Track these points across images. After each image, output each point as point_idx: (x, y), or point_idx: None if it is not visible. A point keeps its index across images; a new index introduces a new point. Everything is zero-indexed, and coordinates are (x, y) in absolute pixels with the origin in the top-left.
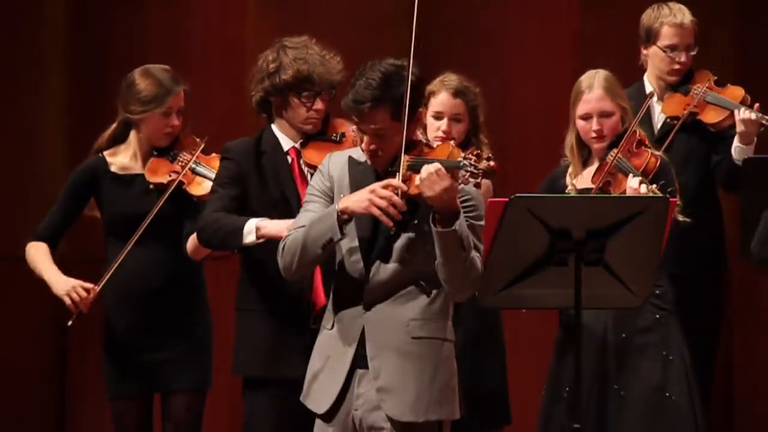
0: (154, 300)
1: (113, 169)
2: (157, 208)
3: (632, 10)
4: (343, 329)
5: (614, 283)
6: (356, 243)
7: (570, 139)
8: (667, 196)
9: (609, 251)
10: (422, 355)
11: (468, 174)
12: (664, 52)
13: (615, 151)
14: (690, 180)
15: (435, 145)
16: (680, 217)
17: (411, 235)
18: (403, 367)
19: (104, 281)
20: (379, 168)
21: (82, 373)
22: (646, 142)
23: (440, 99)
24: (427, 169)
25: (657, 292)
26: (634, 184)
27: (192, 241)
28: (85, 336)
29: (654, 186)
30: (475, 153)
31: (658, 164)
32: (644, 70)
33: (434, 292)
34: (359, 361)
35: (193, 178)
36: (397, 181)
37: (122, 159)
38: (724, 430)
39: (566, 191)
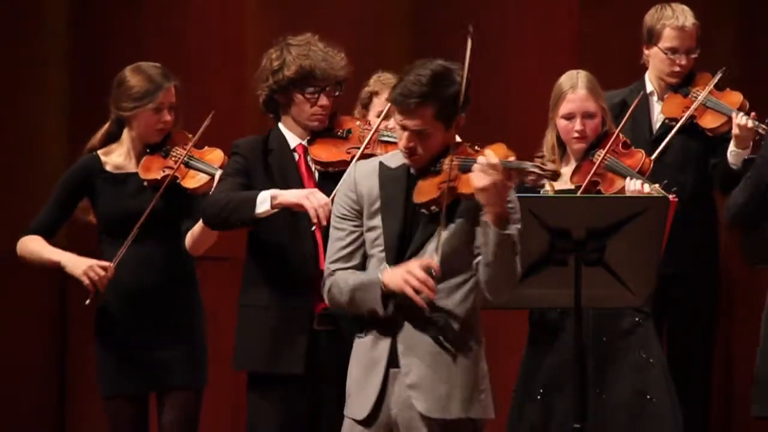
0: (149, 298)
1: (107, 168)
2: (153, 204)
3: (632, 10)
4: (378, 328)
5: (614, 283)
6: (382, 242)
7: (551, 139)
8: (673, 195)
9: (609, 251)
10: (455, 354)
11: (535, 176)
12: (665, 53)
13: (601, 151)
14: (687, 181)
15: (477, 148)
16: None
17: (446, 234)
18: (435, 365)
19: (118, 259)
20: (416, 167)
21: (82, 373)
22: (629, 144)
23: (384, 98)
24: (481, 160)
25: None
26: (636, 186)
27: (191, 236)
28: (85, 336)
29: (657, 185)
30: (539, 155)
31: (651, 165)
32: (645, 69)
33: (466, 290)
34: (393, 360)
35: (186, 172)
36: (435, 262)
37: (116, 158)
38: (723, 431)
39: (543, 191)
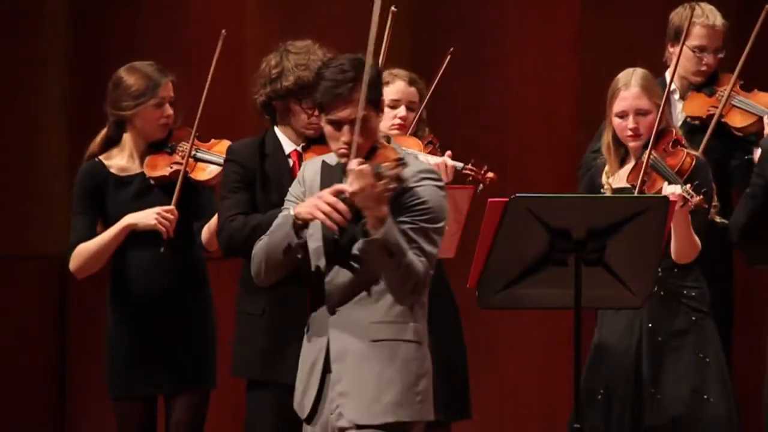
0: (160, 299)
1: (112, 170)
2: (177, 199)
3: (633, 11)
4: (315, 335)
5: (614, 283)
6: (319, 236)
7: (606, 138)
8: (700, 197)
9: (609, 251)
10: (381, 357)
11: (388, 178)
12: (693, 52)
13: (649, 150)
14: None
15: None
16: (717, 219)
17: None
18: (362, 371)
19: (175, 199)
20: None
21: (82, 373)
22: (683, 142)
23: (396, 87)
24: (355, 165)
25: (693, 293)
26: (669, 189)
27: (207, 231)
28: (85, 336)
29: (688, 186)
30: (396, 159)
31: (693, 164)
32: (664, 67)
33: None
34: (329, 365)
35: (195, 165)
36: (346, 185)
37: (119, 161)
38: None
39: (602, 190)
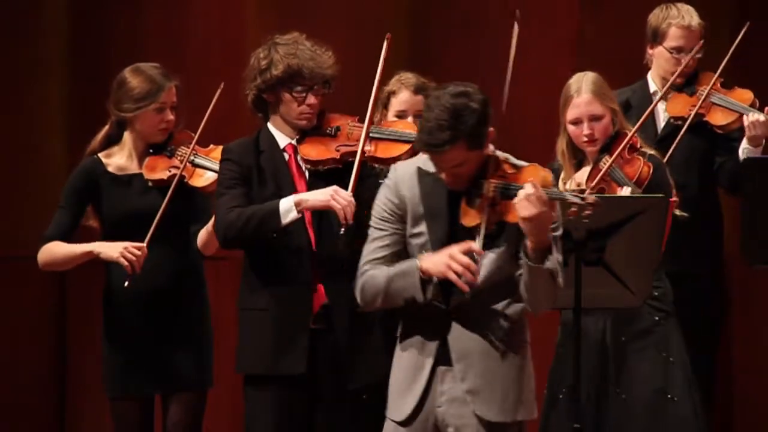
0: (156, 300)
1: (110, 169)
2: (167, 204)
3: (632, 11)
4: (424, 332)
5: (614, 283)
6: (431, 249)
7: (561, 144)
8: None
9: (609, 251)
10: (507, 357)
11: (577, 207)
12: (671, 53)
13: (608, 157)
14: (692, 180)
15: (518, 165)
16: (677, 212)
17: (492, 255)
18: (490, 370)
19: (148, 238)
20: (459, 189)
21: (82, 373)
22: (638, 146)
23: (402, 98)
24: (527, 190)
25: (656, 293)
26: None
27: (203, 234)
28: (85, 336)
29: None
30: (577, 184)
31: (650, 172)
32: (646, 69)
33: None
34: (440, 358)
35: (193, 171)
36: (476, 245)
37: (118, 160)
38: (724, 431)
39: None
